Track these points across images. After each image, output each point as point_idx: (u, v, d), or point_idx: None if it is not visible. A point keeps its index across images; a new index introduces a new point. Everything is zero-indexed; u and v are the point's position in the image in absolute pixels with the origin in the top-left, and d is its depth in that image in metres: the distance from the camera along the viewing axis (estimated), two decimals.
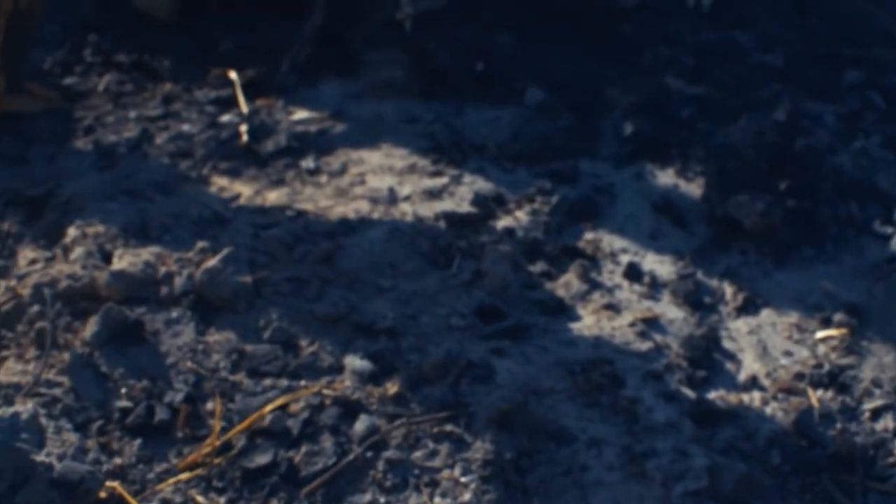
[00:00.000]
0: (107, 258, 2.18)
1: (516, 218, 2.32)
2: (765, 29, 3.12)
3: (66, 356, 1.95)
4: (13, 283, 2.23)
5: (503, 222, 2.30)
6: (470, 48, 2.99)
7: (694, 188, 2.47)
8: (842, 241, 2.38)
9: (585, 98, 2.77)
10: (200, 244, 2.12)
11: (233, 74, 3.00)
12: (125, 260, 2.12)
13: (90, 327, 1.95)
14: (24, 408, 1.69)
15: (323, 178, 2.54)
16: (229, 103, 2.92)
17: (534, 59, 2.93)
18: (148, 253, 2.14)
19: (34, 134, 2.87)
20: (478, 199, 2.36)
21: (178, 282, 2.05)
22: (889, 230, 2.43)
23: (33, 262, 2.27)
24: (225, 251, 2.06)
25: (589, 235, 2.32)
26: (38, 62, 3.04)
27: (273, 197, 2.45)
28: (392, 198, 2.43)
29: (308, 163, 2.60)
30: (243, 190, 2.48)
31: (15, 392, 1.87)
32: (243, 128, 2.71)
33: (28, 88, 2.93)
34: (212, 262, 2.05)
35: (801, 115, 2.71)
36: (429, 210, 2.36)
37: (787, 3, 3.24)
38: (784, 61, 3.00)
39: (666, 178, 2.50)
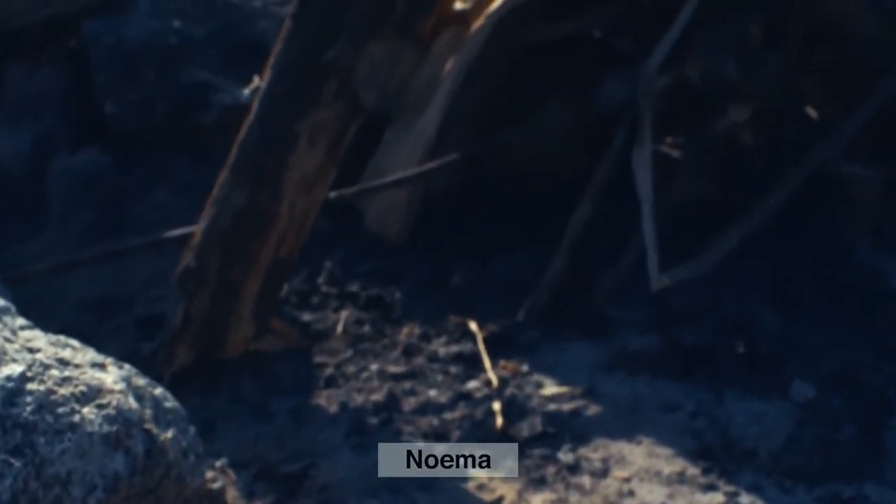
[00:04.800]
0: None
1: None
2: None
3: None
4: None
5: None
6: (728, 322, 2.84)
7: None
8: None
9: (866, 400, 2.58)
10: None
11: (473, 326, 2.91)
12: None
13: None
14: None
15: (586, 481, 2.41)
16: (472, 362, 2.82)
17: (803, 341, 2.75)
18: None
19: (276, 379, 2.82)
20: None
21: None
22: None
23: None
24: None
25: None
26: None
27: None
28: None
29: (566, 456, 2.48)
30: (505, 491, 2.37)
31: None
32: (497, 407, 2.61)
33: (273, 326, 2.90)
34: None
35: None
36: None
37: None
38: None
39: None
